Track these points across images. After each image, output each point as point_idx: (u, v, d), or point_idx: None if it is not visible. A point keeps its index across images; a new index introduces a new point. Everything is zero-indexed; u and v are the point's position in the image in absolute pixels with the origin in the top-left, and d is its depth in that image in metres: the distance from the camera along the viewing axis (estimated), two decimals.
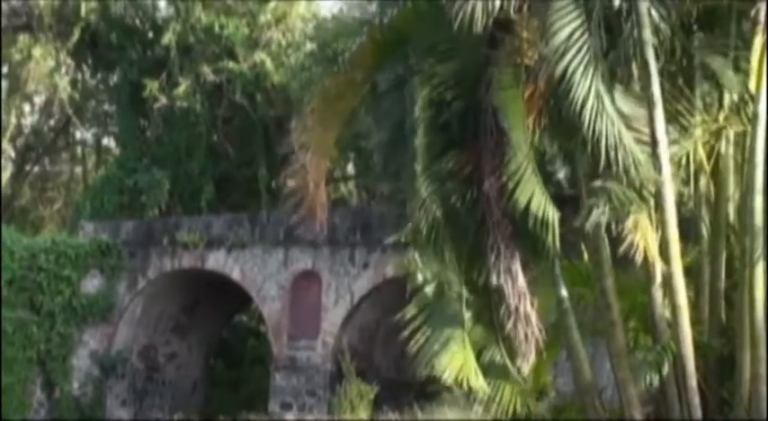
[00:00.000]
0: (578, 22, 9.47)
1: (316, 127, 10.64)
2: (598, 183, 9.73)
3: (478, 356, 10.26)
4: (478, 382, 9.98)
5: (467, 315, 10.21)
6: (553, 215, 9.51)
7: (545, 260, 10.17)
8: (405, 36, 10.37)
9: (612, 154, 9.31)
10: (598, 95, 9.34)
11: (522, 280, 9.81)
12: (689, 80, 10.70)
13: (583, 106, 9.28)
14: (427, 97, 10.12)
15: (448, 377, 9.88)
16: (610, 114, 9.39)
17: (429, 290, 10.36)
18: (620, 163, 9.34)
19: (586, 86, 9.32)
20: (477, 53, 10.19)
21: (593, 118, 9.28)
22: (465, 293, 10.24)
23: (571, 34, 9.40)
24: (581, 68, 9.33)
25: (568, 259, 11.06)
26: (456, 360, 9.93)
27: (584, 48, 9.40)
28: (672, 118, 10.20)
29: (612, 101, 9.64)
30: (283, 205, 29.19)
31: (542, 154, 10.57)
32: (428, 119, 10.10)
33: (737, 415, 9.99)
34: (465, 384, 9.92)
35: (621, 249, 10.04)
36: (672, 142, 10.03)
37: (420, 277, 10.41)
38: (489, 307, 10.24)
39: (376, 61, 10.64)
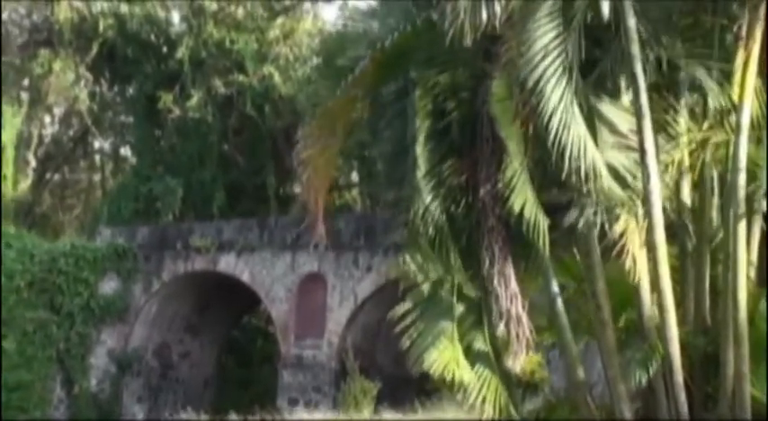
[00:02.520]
0: (553, 33, 9.26)
1: (318, 142, 10.58)
2: (589, 185, 9.66)
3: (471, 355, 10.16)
4: (465, 376, 9.87)
5: (459, 310, 10.12)
6: (543, 221, 9.46)
7: (536, 263, 10.13)
8: (405, 51, 10.32)
9: (575, 165, 9.17)
10: (566, 108, 9.15)
11: (514, 282, 9.75)
12: (675, 91, 10.64)
13: (551, 118, 9.12)
14: (427, 107, 10.05)
15: (435, 371, 9.78)
16: (578, 126, 9.21)
17: (424, 288, 10.23)
18: (582, 174, 9.22)
19: (555, 99, 9.13)
20: (473, 66, 10.16)
21: (560, 130, 9.11)
22: (460, 293, 10.14)
23: (545, 47, 9.20)
24: (552, 81, 9.14)
25: (561, 261, 10.99)
26: (444, 355, 9.84)
27: (557, 60, 9.21)
28: (659, 128, 10.14)
29: (589, 112, 9.52)
30: (291, 212, 29.33)
31: (536, 161, 10.49)
32: (428, 128, 10.04)
33: (722, 411, 9.93)
34: (451, 378, 9.81)
35: (611, 249, 9.99)
36: (660, 151, 9.98)
37: (418, 276, 10.29)
38: (480, 307, 10.18)
39: (378, 77, 10.55)
